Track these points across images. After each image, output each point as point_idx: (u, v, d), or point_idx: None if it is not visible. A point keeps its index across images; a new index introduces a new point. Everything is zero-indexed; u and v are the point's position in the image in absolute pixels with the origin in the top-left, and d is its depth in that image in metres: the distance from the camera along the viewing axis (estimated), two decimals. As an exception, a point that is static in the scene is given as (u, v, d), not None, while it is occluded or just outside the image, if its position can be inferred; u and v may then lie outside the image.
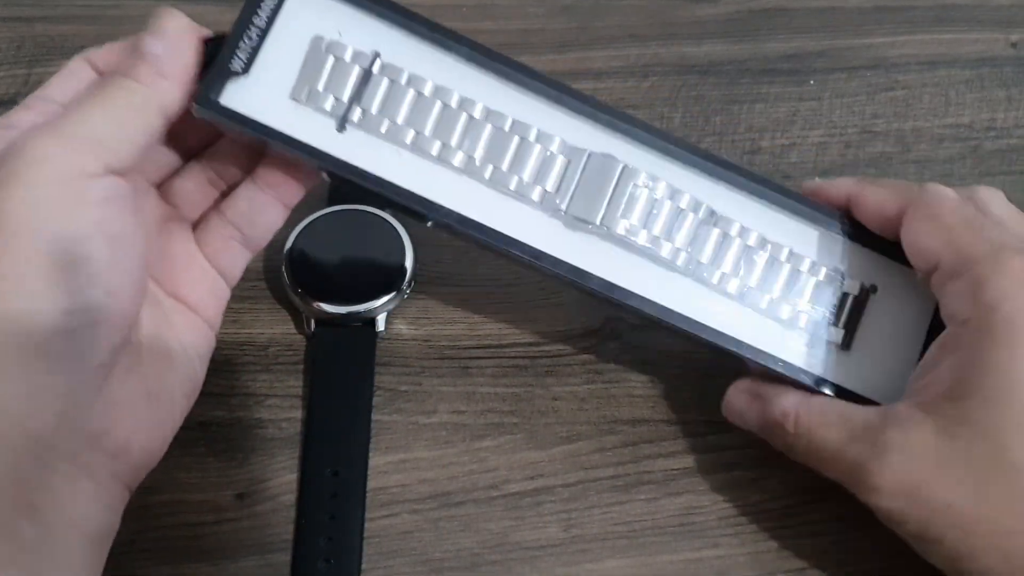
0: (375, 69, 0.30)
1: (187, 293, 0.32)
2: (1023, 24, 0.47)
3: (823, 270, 0.34)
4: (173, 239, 0.32)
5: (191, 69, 0.29)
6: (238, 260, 0.33)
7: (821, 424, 0.31)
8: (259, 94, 0.30)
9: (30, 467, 0.26)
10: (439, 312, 0.38)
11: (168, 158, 0.32)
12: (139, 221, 0.29)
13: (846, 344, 0.33)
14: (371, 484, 0.35)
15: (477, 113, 0.31)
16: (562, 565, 0.33)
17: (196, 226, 0.33)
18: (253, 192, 0.32)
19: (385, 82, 0.31)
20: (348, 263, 0.38)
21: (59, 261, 0.26)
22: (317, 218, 0.38)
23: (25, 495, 0.26)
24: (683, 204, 0.32)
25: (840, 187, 0.34)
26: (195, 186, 0.33)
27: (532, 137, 0.31)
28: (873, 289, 0.34)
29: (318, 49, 0.30)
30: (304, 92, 0.30)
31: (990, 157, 0.43)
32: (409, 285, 0.37)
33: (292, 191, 0.32)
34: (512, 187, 0.31)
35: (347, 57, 0.30)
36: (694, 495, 0.35)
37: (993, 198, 0.32)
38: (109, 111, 0.28)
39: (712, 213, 0.33)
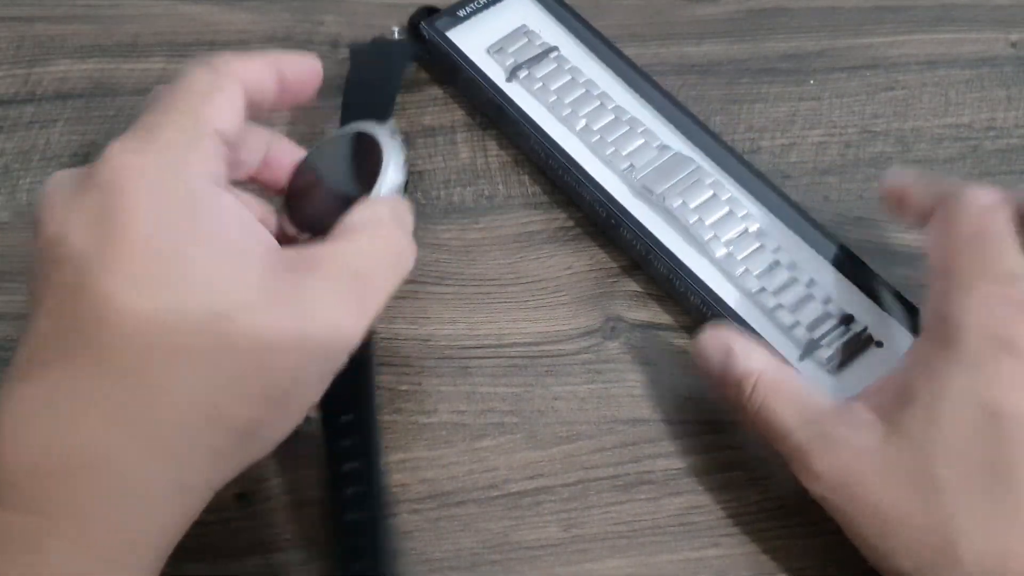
0: (551, 55, 0.43)
1: None
2: (1023, 24, 0.47)
3: (837, 307, 0.36)
4: None
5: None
6: None
7: (778, 396, 0.32)
8: (468, 39, 0.43)
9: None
10: (439, 312, 0.38)
11: None
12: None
13: (836, 368, 0.35)
14: (371, 484, 0.35)
15: (609, 105, 0.41)
16: (562, 565, 0.33)
17: None
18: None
19: (553, 64, 0.42)
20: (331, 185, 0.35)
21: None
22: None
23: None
24: (739, 213, 0.38)
25: (926, 195, 0.34)
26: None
27: (640, 131, 0.41)
28: (879, 343, 0.36)
29: (519, 31, 0.44)
30: (496, 49, 0.43)
31: (990, 157, 0.43)
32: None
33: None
34: (607, 153, 0.40)
35: (535, 42, 0.43)
36: (694, 495, 0.35)
37: None
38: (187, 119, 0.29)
39: (762, 233, 0.38)
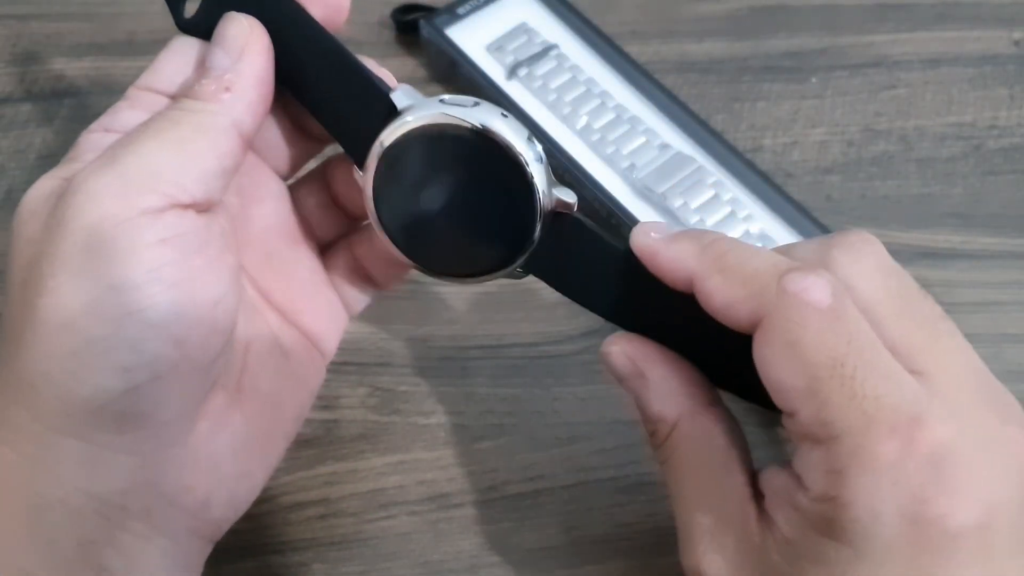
0: (551, 53, 0.42)
1: (309, 321, 0.30)
2: (1026, 22, 0.47)
3: None
4: (300, 261, 0.31)
5: (263, 75, 0.27)
6: (361, 295, 0.32)
7: (690, 461, 0.26)
8: (468, 37, 0.43)
9: (97, 528, 0.24)
10: (439, 312, 0.38)
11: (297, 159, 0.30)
12: (213, 258, 0.26)
13: None
14: (369, 485, 0.34)
15: (610, 103, 0.41)
16: (562, 567, 0.33)
17: (327, 248, 0.32)
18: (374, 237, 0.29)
19: (553, 63, 0.42)
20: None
21: (111, 314, 0.24)
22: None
23: (93, 556, 0.24)
24: (741, 214, 0.38)
25: (679, 262, 0.25)
26: (318, 203, 0.31)
27: (641, 129, 0.40)
28: None
29: (519, 28, 0.43)
30: (496, 47, 0.43)
31: (993, 156, 0.43)
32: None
33: None
34: (608, 152, 0.40)
35: (535, 39, 0.43)
36: (695, 496, 0.35)
37: (870, 275, 0.24)
38: (169, 137, 0.25)
39: (764, 234, 0.37)
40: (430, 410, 0.36)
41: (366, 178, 0.27)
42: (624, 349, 0.27)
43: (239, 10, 0.27)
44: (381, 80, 0.27)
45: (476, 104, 0.26)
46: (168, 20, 0.28)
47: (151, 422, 0.25)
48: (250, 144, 0.27)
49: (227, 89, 0.26)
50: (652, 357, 0.27)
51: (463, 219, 0.27)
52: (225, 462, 0.27)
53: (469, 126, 0.26)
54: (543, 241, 0.27)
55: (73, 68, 0.45)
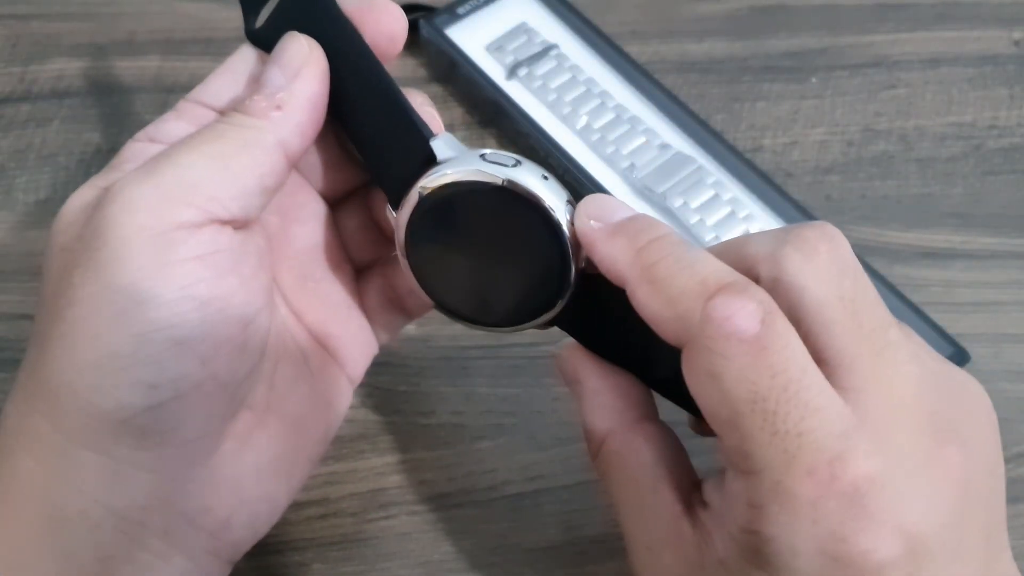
0: (551, 53, 0.42)
1: (339, 345, 0.30)
2: (1026, 22, 0.47)
3: None
4: (336, 284, 0.30)
5: (316, 98, 0.26)
6: (395, 323, 0.31)
7: (621, 476, 0.26)
8: (468, 36, 0.43)
9: (116, 544, 0.24)
10: (439, 312, 0.38)
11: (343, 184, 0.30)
12: (247, 277, 0.25)
13: None
14: (369, 485, 0.34)
15: (610, 103, 0.41)
16: (562, 567, 0.33)
17: (363, 272, 0.31)
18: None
19: (553, 62, 0.42)
20: None
21: (137, 329, 0.23)
22: None
23: (111, 572, 0.24)
24: (741, 214, 0.38)
25: (614, 261, 0.24)
26: (358, 225, 0.30)
27: (641, 129, 0.40)
28: None
29: (519, 28, 0.44)
30: (496, 47, 0.43)
31: (993, 156, 0.43)
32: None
33: None
34: (608, 152, 0.40)
35: (535, 39, 0.43)
36: (695, 496, 0.35)
37: (822, 275, 0.23)
38: (211, 151, 0.25)
39: None
40: (430, 410, 0.36)
41: (400, 219, 0.27)
42: (567, 356, 0.27)
43: (302, 30, 0.27)
44: (425, 125, 0.27)
45: (517, 164, 0.26)
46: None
47: (174, 440, 0.24)
48: (295, 165, 0.27)
49: (278, 108, 0.26)
50: (588, 369, 0.27)
51: (494, 273, 0.27)
52: (248, 483, 0.27)
53: (509, 186, 0.25)
54: (572, 299, 0.27)
55: (73, 68, 0.45)
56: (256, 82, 0.27)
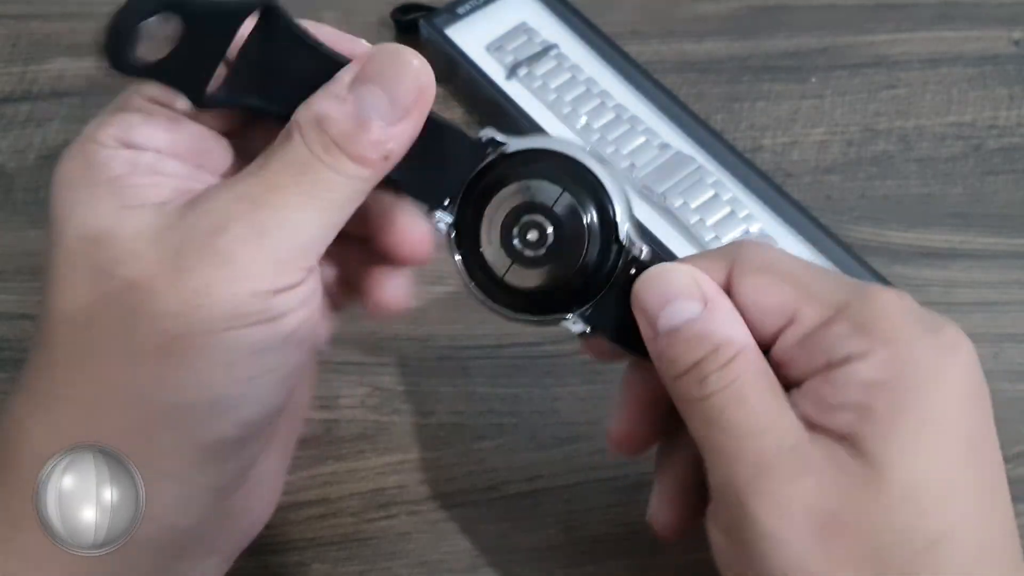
0: (551, 53, 0.43)
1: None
2: (1026, 22, 0.47)
3: None
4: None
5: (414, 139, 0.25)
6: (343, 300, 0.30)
7: (757, 384, 0.24)
8: (467, 36, 0.43)
9: (170, 560, 0.25)
10: (438, 312, 0.38)
11: None
12: (317, 306, 0.25)
13: None
14: (369, 485, 0.34)
15: (610, 103, 0.41)
16: (562, 567, 0.33)
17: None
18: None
19: (553, 62, 0.42)
20: None
21: (250, 375, 0.24)
22: None
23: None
24: (741, 213, 0.38)
25: (709, 273, 0.25)
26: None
27: (640, 129, 0.41)
28: None
29: (519, 28, 0.44)
30: (495, 47, 0.43)
31: (992, 156, 0.43)
32: None
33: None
34: (608, 152, 0.40)
35: (535, 39, 0.43)
36: (695, 496, 0.35)
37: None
38: (323, 204, 0.23)
39: (763, 233, 0.37)
40: (430, 410, 0.36)
41: (450, 213, 0.27)
42: (680, 272, 0.25)
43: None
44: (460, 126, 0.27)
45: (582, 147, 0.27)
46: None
47: (235, 467, 0.25)
48: None
49: (386, 158, 0.24)
50: (708, 282, 0.25)
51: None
52: (278, 476, 0.28)
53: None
54: (608, 294, 0.27)
55: (73, 68, 0.45)
56: (359, 117, 0.24)
